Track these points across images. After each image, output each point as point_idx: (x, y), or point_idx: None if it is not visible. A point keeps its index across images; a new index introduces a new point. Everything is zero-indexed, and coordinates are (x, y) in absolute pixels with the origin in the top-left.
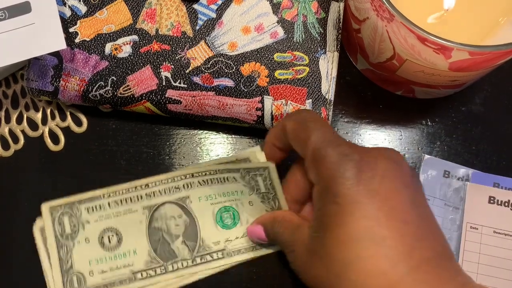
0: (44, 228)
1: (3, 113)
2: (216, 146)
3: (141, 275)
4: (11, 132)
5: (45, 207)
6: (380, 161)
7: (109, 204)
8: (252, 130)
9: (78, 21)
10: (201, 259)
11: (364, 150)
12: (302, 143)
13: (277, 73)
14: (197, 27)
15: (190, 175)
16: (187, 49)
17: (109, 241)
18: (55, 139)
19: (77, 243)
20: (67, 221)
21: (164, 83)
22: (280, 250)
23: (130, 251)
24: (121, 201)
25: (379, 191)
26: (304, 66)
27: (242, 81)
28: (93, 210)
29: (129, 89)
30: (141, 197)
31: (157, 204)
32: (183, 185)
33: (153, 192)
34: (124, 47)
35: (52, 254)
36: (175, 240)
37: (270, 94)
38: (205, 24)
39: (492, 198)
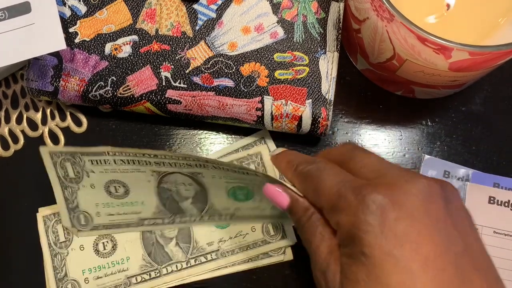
0: (47, 171)
1: (3, 113)
2: (216, 146)
3: (136, 279)
4: (11, 132)
5: (43, 151)
6: (407, 197)
7: (115, 161)
8: (252, 130)
9: (78, 21)
10: (195, 261)
11: (388, 185)
12: (314, 195)
13: (277, 73)
14: (197, 27)
15: (204, 161)
16: (187, 49)
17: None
18: (55, 139)
19: (82, 187)
20: (70, 167)
21: (164, 83)
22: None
23: (138, 202)
24: (127, 161)
25: (410, 236)
26: (304, 66)
27: (242, 81)
28: (97, 162)
29: (129, 89)
30: (150, 163)
31: (166, 172)
32: (196, 165)
33: (163, 162)
34: (124, 47)
35: (47, 263)
36: (184, 201)
37: (270, 94)
38: (205, 24)
39: (492, 198)
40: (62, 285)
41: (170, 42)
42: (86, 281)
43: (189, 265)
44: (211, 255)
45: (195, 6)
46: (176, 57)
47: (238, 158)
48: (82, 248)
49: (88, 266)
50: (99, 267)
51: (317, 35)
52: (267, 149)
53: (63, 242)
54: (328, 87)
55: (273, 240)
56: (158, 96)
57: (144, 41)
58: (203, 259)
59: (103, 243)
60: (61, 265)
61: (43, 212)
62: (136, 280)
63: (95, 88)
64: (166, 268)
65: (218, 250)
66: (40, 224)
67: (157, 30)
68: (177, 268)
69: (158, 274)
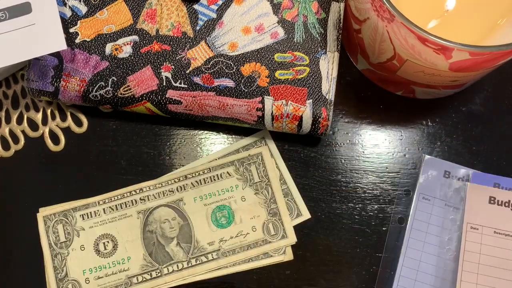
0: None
1: (3, 114)
2: (217, 146)
3: (137, 279)
4: (11, 132)
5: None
6: None
7: (104, 210)
8: (253, 130)
9: (79, 22)
10: (196, 261)
11: None
12: None
13: (277, 74)
14: (198, 28)
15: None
16: (188, 50)
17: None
18: (55, 139)
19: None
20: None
21: (164, 84)
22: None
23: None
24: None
25: None
26: (304, 66)
27: (242, 81)
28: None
29: (130, 89)
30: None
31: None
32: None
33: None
34: (124, 47)
35: (47, 263)
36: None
37: (271, 94)
38: (205, 24)
39: (492, 199)
40: (63, 285)
41: (171, 43)
42: (87, 281)
43: (190, 265)
44: (212, 254)
45: (196, 6)
46: (177, 57)
47: (238, 158)
48: (82, 248)
49: (89, 266)
50: (99, 267)
51: (317, 35)
52: (267, 150)
53: (63, 242)
54: (328, 87)
55: (273, 240)
56: (159, 97)
57: (144, 41)
58: (204, 259)
59: (104, 243)
60: (62, 265)
61: (43, 212)
62: (137, 280)
63: (95, 88)
64: (167, 268)
65: (219, 249)
66: (41, 224)
67: (157, 30)
68: (178, 268)
69: (159, 274)
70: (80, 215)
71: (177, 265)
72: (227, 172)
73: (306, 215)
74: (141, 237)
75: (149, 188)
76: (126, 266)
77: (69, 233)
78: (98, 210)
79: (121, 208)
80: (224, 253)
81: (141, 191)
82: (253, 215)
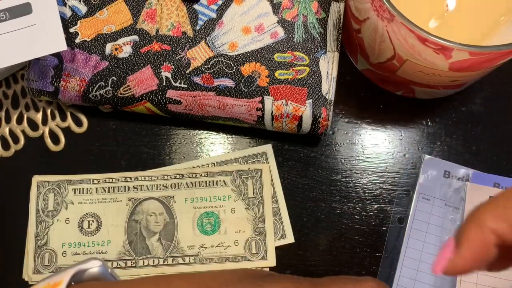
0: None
1: (3, 113)
2: (217, 146)
3: (112, 264)
4: (11, 132)
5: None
6: None
7: (96, 189)
8: (253, 130)
9: (79, 21)
10: (173, 260)
11: None
12: None
13: (277, 73)
14: (198, 27)
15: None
16: (188, 49)
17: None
18: (55, 139)
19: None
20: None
21: (164, 83)
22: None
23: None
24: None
25: None
26: (304, 66)
27: (242, 81)
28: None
29: (130, 89)
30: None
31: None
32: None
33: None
34: (124, 47)
35: (31, 228)
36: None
37: (271, 94)
38: (205, 24)
39: None
40: (40, 252)
41: (171, 42)
42: (64, 254)
43: (166, 263)
44: (189, 258)
45: (196, 6)
46: (177, 57)
47: (238, 169)
48: (67, 222)
49: (69, 240)
50: (79, 243)
51: (317, 35)
52: (267, 168)
53: (50, 211)
54: (328, 87)
55: (253, 259)
56: (159, 96)
57: (144, 41)
58: (180, 260)
59: (89, 221)
60: (44, 233)
61: (38, 178)
62: (112, 265)
63: (95, 88)
64: (143, 261)
65: (197, 255)
66: (33, 189)
67: (157, 30)
68: (153, 263)
69: (134, 265)
70: (72, 189)
71: (154, 260)
72: (223, 181)
73: (290, 238)
74: (126, 224)
75: (144, 178)
76: (105, 249)
77: (58, 203)
78: (90, 188)
79: (113, 191)
80: (201, 259)
81: (136, 179)
82: (238, 229)
